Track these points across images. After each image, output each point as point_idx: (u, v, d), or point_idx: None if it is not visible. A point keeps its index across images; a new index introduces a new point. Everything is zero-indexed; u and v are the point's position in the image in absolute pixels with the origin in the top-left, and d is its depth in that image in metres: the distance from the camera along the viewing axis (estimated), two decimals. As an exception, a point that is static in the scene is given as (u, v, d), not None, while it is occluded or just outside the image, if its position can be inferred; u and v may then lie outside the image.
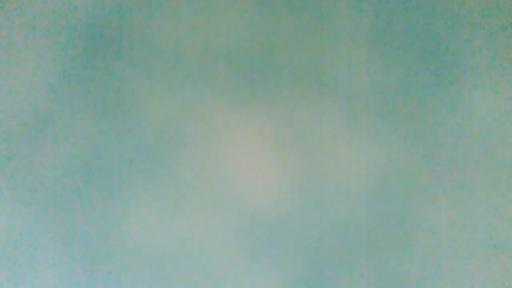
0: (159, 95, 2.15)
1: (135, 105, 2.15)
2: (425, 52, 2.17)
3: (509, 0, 2.19)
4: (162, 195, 2.12)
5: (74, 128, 2.14)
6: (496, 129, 2.14)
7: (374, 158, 2.13)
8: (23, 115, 2.14)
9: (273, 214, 2.11)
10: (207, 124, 2.14)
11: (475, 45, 2.17)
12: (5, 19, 2.18)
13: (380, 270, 2.10)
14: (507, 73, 2.16)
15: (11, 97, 2.15)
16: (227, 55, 2.17)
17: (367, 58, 2.17)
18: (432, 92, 2.16)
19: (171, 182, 2.12)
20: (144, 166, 2.12)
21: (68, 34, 2.17)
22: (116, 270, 2.09)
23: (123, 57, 2.16)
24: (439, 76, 2.16)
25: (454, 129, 2.14)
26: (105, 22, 2.18)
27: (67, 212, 2.11)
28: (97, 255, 2.09)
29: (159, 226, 2.11)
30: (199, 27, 2.18)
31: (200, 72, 2.16)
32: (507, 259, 2.10)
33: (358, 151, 2.13)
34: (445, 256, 2.10)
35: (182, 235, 2.10)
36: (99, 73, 2.16)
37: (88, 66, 2.16)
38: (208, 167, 2.12)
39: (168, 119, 2.14)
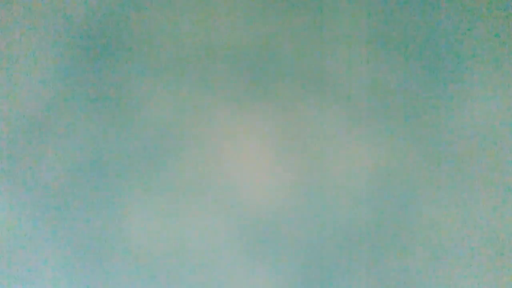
0: (159, 95, 2.15)
1: (135, 105, 2.15)
2: (425, 52, 2.17)
3: (509, 0, 2.20)
4: (162, 195, 2.12)
5: (74, 128, 2.14)
6: (496, 129, 2.14)
7: (374, 158, 2.13)
8: (23, 115, 2.14)
9: (274, 214, 2.12)
10: (207, 124, 2.14)
11: (475, 45, 2.17)
12: (5, 19, 2.18)
13: (380, 270, 2.10)
14: (507, 73, 2.17)
15: (12, 97, 2.15)
16: (227, 55, 2.17)
17: (367, 58, 2.17)
18: (432, 92, 2.16)
19: (171, 182, 2.12)
20: (145, 166, 2.12)
21: (68, 34, 2.17)
22: (116, 270, 2.09)
23: (123, 57, 2.16)
24: (439, 76, 2.16)
25: (454, 129, 2.15)
26: (105, 22, 2.18)
27: (67, 212, 2.11)
28: (97, 256, 2.09)
29: (159, 226, 2.11)
30: (199, 27, 2.18)
31: (200, 72, 2.16)
32: (508, 259, 2.10)
33: (358, 151, 2.13)
34: (446, 256, 2.10)
35: (182, 235, 2.10)
36: (99, 73, 2.16)
37: (88, 66, 2.16)
38: (209, 167, 2.12)
39: (168, 119, 2.14)
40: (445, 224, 2.11)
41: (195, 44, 2.17)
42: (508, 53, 2.17)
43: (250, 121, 2.14)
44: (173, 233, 2.11)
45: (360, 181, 2.12)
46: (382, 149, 2.14)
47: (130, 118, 2.14)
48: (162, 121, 2.14)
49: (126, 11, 2.18)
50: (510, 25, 2.19)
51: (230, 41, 2.17)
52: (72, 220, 2.10)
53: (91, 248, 2.09)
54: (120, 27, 2.18)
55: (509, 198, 2.12)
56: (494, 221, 2.11)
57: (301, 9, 2.19)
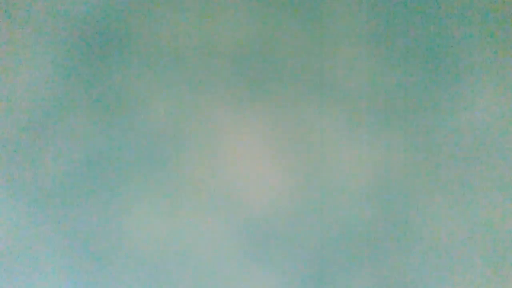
0: (159, 95, 2.15)
1: (135, 105, 2.15)
2: (425, 52, 2.17)
3: (509, 0, 2.19)
4: (162, 195, 2.12)
5: (74, 128, 2.14)
6: (496, 129, 2.15)
7: (374, 158, 2.13)
8: (23, 115, 2.14)
9: (273, 214, 2.12)
10: (207, 124, 2.14)
11: (475, 45, 2.17)
12: (5, 19, 2.17)
13: (380, 270, 2.10)
14: (507, 73, 2.17)
15: (11, 97, 2.15)
16: (227, 55, 2.17)
17: (367, 58, 2.16)
18: (432, 92, 2.16)
19: (171, 182, 2.12)
20: (144, 166, 2.12)
21: (68, 34, 2.17)
22: (116, 270, 2.09)
23: (123, 57, 2.16)
24: (439, 76, 2.16)
25: (454, 129, 2.15)
26: (105, 22, 2.18)
27: (67, 212, 2.11)
28: (97, 255, 2.09)
29: (159, 226, 2.11)
30: (199, 27, 2.18)
31: (200, 72, 2.16)
32: (507, 259, 2.10)
33: (358, 151, 2.13)
34: (446, 256, 2.10)
35: (182, 235, 2.11)
36: (99, 73, 2.16)
37: (88, 66, 2.16)
38: (208, 167, 2.13)
39: (168, 119, 2.14)
40: (445, 224, 2.12)
41: (195, 44, 2.17)
42: (508, 54, 2.17)
43: (250, 121, 2.14)
44: (173, 233, 2.11)
45: (360, 181, 2.13)
46: (382, 149, 2.14)
47: (130, 118, 2.14)
48: (162, 121, 2.14)
49: (126, 11, 2.18)
50: (510, 25, 2.18)
51: (230, 41, 2.17)
52: (72, 220, 2.10)
53: (91, 248, 2.10)
54: (120, 27, 2.17)
55: (509, 198, 2.12)
56: (494, 221, 2.12)
57: (301, 9, 2.18)
